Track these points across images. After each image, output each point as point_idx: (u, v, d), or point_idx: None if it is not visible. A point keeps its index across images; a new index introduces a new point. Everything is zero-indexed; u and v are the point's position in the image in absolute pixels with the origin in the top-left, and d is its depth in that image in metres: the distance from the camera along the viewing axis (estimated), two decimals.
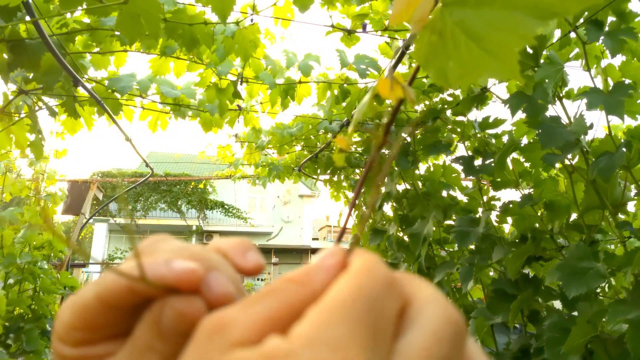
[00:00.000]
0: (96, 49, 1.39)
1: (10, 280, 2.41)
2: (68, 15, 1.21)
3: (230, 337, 0.17)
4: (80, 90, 1.60)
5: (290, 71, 1.46)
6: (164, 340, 0.20)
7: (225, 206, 18.91)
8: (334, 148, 2.44)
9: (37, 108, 1.60)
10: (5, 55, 1.23)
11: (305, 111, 2.02)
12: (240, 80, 1.41)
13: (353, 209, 2.93)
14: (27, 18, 0.92)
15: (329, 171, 2.66)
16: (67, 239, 0.23)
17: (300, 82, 1.51)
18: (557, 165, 1.04)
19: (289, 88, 1.47)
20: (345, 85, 1.48)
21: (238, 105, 1.72)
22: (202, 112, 1.67)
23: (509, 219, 1.41)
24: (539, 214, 1.20)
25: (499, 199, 1.46)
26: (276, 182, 3.08)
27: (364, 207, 2.77)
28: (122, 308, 0.22)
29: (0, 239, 2.34)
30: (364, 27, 1.50)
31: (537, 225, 1.21)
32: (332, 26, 1.45)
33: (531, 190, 1.24)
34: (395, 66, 1.24)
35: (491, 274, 1.60)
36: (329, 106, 1.54)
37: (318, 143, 2.47)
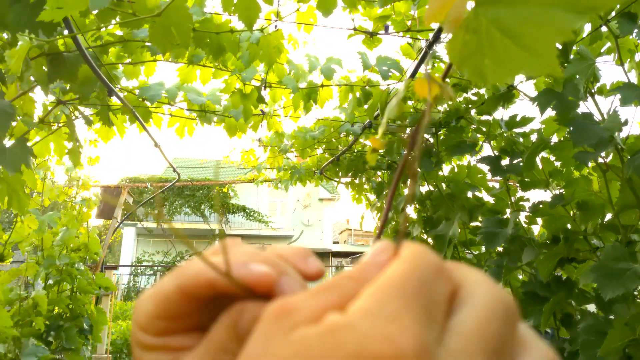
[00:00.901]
0: (128, 60, 1.42)
1: (50, 281, 2.48)
2: (102, 28, 1.23)
3: (295, 319, 0.18)
4: (114, 99, 1.63)
5: (313, 75, 1.46)
6: (239, 343, 0.21)
7: (247, 210, 19.10)
8: (356, 150, 2.42)
9: (74, 117, 1.64)
10: (45, 68, 1.27)
11: (327, 114, 2.02)
12: (264, 85, 1.42)
13: (376, 211, 2.90)
14: (65, 32, 0.95)
15: (350, 174, 2.64)
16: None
17: (322, 85, 1.50)
18: (590, 163, 1.00)
19: (312, 92, 1.47)
20: (367, 87, 1.47)
21: (261, 110, 1.73)
22: (227, 117, 1.69)
23: (539, 220, 1.36)
24: (571, 215, 1.16)
25: (527, 200, 1.42)
26: (297, 186, 3.08)
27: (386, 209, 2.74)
28: (201, 300, 0.23)
29: (41, 242, 2.41)
30: (386, 28, 1.48)
31: (569, 226, 1.16)
32: (354, 29, 1.44)
33: (562, 190, 1.19)
34: (418, 66, 1.22)
35: (520, 277, 1.55)
36: (351, 109, 1.53)
37: (339, 146, 2.46)
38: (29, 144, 1.38)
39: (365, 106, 1.55)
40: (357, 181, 2.84)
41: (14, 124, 1.51)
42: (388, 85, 1.54)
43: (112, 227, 3.14)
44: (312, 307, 0.18)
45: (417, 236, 1.97)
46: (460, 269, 0.20)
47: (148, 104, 1.68)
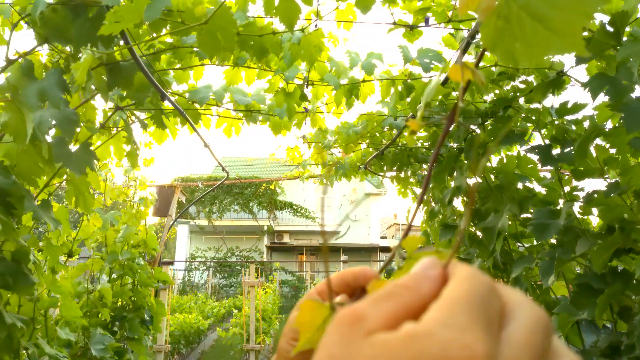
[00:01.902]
0: (178, 65, 1.50)
1: (114, 275, 2.66)
2: (154, 36, 1.31)
3: (370, 325, 0.21)
4: (166, 103, 1.73)
5: (354, 71, 1.47)
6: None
7: (294, 206, 19.37)
8: (400, 144, 2.40)
9: (130, 122, 1.75)
10: (104, 77, 1.37)
11: (370, 109, 2.02)
12: (306, 83, 1.45)
13: (421, 204, 2.86)
14: (122, 43, 1.02)
15: (395, 168, 2.63)
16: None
17: (363, 80, 1.51)
18: None
19: (353, 87, 1.48)
20: (409, 80, 1.46)
21: (305, 108, 1.77)
22: (272, 116, 1.74)
23: (595, 210, 1.31)
24: (628, 204, 1.10)
25: (582, 189, 1.36)
26: (343, 182, 3.11)
27: (432, 203, 2.71)
28: (347, 285, 0.36)
29: (105, 239, 2.59)
30: (427, 20, 1.47)
31: (626, 215, 1.11)
32: (394, 23, 1.44)
33: (618, 178, 1.14)
34: (461, 56, 1.21)
35: (578, 270, 1.49)
36: (393, 102, 1.53)
37: (383, 140, 2.45)
38: (91, 148, 1.50)
39: (408, 99, 1.54)
40: (402, 175, 2.83)
41: (78, 130, 1.64)
42: (430, 77, 1.52)
43: (167, 224, 3.32)
44: (381, 314, 0.22)
45: (465, 229, 1.93)
46: (503, 288, 0.24)
47: (197, 106, 1.76)
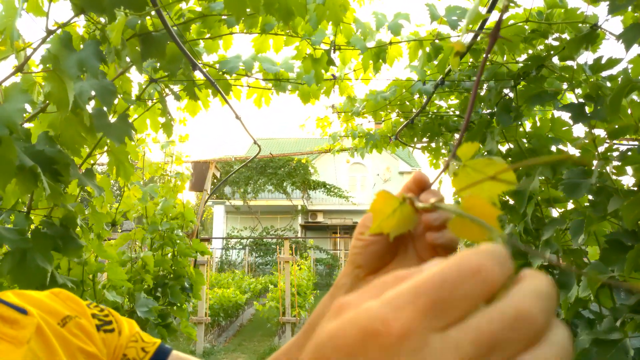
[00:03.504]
0: (207, 35, 1.54)
1: (155, 245, 2.81)
2: (183, 5, 1.36)
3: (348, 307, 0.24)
4: (198, 76, 1.78)
5: (380, 33, 1.47)
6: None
7: (327, 186, 19.44)
8: (430, 113, 2.38)
9: (165, 94, 1.83)
10: (137, 49, 1.43)
11: (399, 75, 2.00)
12: (333, 48, 1.46)
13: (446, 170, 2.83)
14: (152, 14, 1.07)
15: (426, 138, 2.60)
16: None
17: (390, 43, 1.50)
18: None
19: (380, 51, 1.48)
20: (436, 41, 1.44)
21: (332, 75, 1.78)
22: (300, 85, 1.76)
23: (629, 170, 1.27)
24: None
25: (617, 149, 1.32)
26: (376, 160, 3.11)
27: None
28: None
29: (145, 211, 2.73)
30: None
31: None
32: None
33: None
34: (490, 10, 1.18)
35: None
36: (422, 64, 1.52)
37: (413, 110, 2.43)
38: (129, 120, 1.58)
39: (435, 62, 1.52)
40: (433, 145, 2.80)
41: (115, 101, 1.73)
42: (459, 37, 1.49)
43: (203, 198, 3.45)
44: (359, 301, 0.24)
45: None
46: (529, 275, 0.23)
47: (227, 77, 1.81)
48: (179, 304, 2.78)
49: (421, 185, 0.43)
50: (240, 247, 19.70)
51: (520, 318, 0.20)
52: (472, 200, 0.31)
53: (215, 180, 3.96)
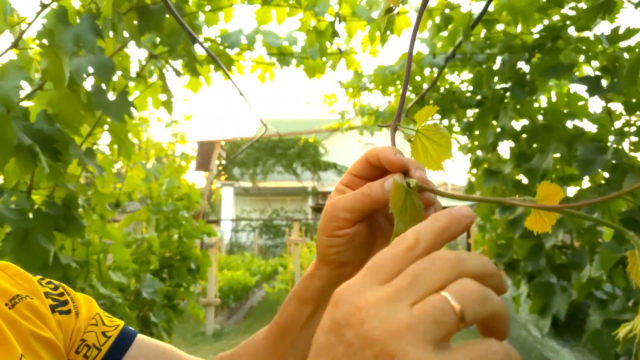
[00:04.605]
0: (207, 7, 1.53)
1: (160, 227, 2.85)
2: None
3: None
4: (199, 52, 1.78)
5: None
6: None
7: (338, 167, 19.40)
8: (442, 89, 2.34)
9: (165, 71, 1.82)
10: (135, 23, 1.43)
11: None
12: (337, 19, 1.44)
13: (468, 153, 2.80)
14: None
15: (438, 115, 2.57)
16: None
17: (398, 13, 1.47)
18: None
19: (387, 21, 1.45)
20: (447, 11, 1.41)
21: (339, 49, 1.76)
22: (305, 59, 1.74)
23: None
24: None
25: (633, 124, 1.29)
26: (387, 139, 3.08)
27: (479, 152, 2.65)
28: (373, 167, 0.41)
29: (150, 191, 2.77)
30: None
31: None
32: None
33: None
34: None
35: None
36: (431, 36, 1.49)
37: (424, 85, 2.40)
38: (130, 98, 1.59)
39: (446, 33, 1.49)
40: (445, 122, 2.76)
41: (115, 79, 1.73)
42: (470, 6, 1.46)
43: (209, 178, 3.47)
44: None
45: (509, 174, 1.89)
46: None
47: (230, 52, 1.80)
48: (185, 286, 2.83)
49: (375, 162, 0.41)
50: (250, 229, 19.89)
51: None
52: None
53: (221, 161, 3.98)
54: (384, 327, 0.25)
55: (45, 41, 1.24)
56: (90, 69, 1.39)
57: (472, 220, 0.32)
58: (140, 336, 0.55)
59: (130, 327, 0.56)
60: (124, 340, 0.53)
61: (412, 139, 0.41)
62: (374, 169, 0.42)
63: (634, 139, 1.24)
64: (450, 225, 0.31)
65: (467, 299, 0.25)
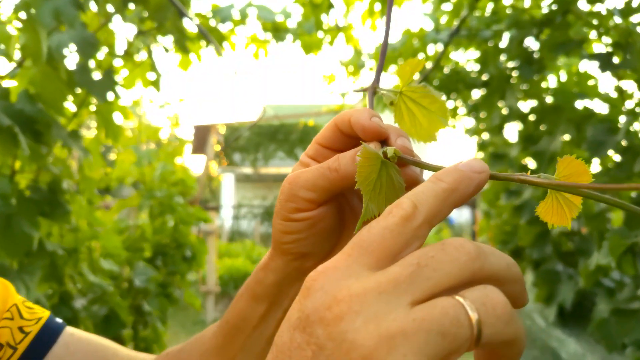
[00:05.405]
0: None
1: (154, 213, 2.84)
2: None
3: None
4: (188, 29, 1.73)
5: None
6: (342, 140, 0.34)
7: None
8: (447, 68, 2.29)
9: (154, 47, 1.78)
10: None
11: (410, 28, 1.92)
12: None
13: (474, 135, 2.76)
14: None
15: (443, 95, 2.53)
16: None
17: None
18: None
19: None
20: None
21: (336, 25, 1.71)
22: (301, 35, 1.70)
23: None
24: None
25: None
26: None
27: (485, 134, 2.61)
28: (344, 134, 0.33)
29: (143, 176, 2.75)
30: None
31: None
32: None
33: None
34: None
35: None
36: (435, 8, 1.44)
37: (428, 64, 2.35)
38: (119, 78, 1.55)
39: (450, 7, 1.44)
40: (451, 104, 2.72)
41: (101, 57, 1.70)
42: None
43: (205, 162, 3.45)
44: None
45: (515, 157, 1.86)
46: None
47: (221, 28, 1.75)
48: (181, 274, 2.83)
49: (346, 129, 0.33)
50: (252, 216, 19.95)
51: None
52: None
53: (220, 145, 3.96)
54: (369, 328, 0.19)
55: (22, 14, 1.20)
56: (73, 46, 1.35)
57: (486, 176, 0.25)
58: (68, 330, 0.47)
59: (57, 320, 0.48)
60: (46, 337, 0.45)
61: (393, 102, 0.33)
62: (346, 138, 0.33)
63: None
64: (458, 185, 0.24)
65: (491, 313, 0.19)
